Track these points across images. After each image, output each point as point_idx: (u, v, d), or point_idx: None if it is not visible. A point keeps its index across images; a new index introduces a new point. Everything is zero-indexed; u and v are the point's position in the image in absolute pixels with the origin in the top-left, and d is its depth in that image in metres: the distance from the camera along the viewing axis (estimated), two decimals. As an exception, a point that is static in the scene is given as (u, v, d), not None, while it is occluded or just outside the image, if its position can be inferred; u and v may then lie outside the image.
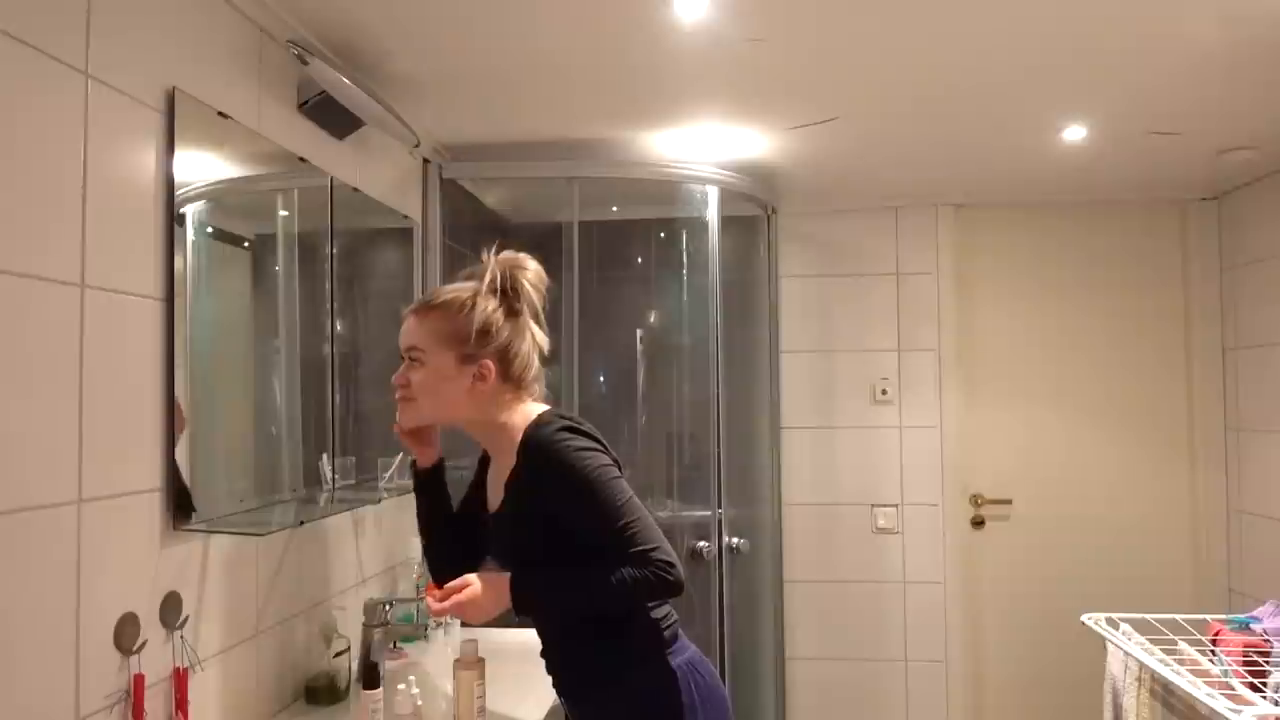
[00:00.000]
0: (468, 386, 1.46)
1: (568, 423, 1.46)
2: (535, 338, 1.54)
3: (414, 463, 1.64)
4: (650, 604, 1.49)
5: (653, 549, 1.38)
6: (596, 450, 1.43)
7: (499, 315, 1.47)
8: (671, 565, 1.38)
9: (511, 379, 1.49)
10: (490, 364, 1.46)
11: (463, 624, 2.21)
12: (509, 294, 1.49)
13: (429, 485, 1.63)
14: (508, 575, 1.43)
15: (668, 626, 1.50)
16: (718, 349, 2.96)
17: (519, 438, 1.46)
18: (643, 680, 1.46)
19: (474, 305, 1.46)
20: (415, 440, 1.59)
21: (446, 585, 1.43)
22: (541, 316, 1.55)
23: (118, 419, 1.34)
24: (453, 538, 1.64)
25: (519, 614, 1.46)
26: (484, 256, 1.52)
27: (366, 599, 2.17)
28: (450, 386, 1.46)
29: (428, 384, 1.47)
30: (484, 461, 1.63)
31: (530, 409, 1.50)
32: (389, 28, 1.88)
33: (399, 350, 1.52)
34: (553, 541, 1.44)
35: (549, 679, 1.59)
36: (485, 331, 1.46)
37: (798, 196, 3.36)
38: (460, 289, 1.49)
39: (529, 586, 1.42)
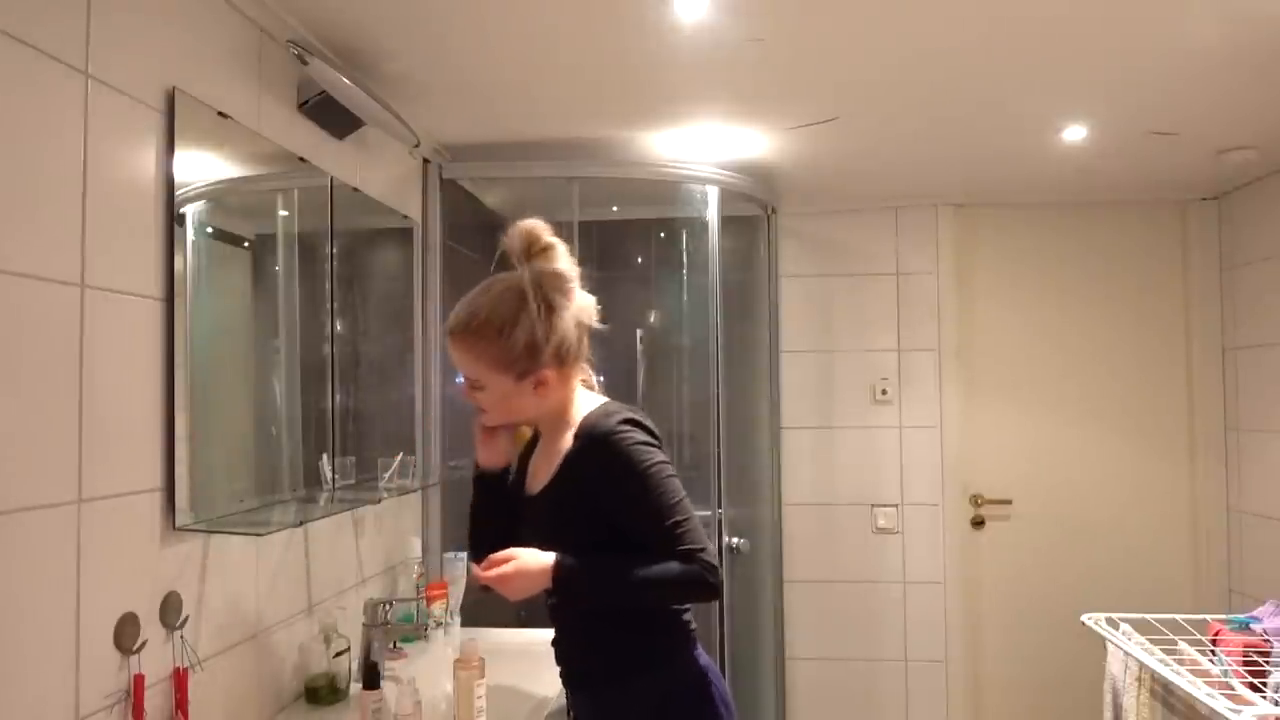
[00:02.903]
0: (532, 397, 1.45)
1: (629, 415, 1.45)
2: (580, 315, 1.48)
3: (476, 462, 1.62)
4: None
5: (700, 549, 1.37)
6: (655, 446, 1.43)
7: (540, 326, 1.42)
8: (715, 568, 1.37)
9: (566, 367, 1.47)
10: (547, 372, 1.43)
11: (464, 622, 2.20)
12: (545, 299, 1.43)
13: (490, 484, 1.60)
14: (553, 555, 1.40)
15: (693, 629, 1.50)
16: (718, 349, 2.96)
17: (575, 422, 1.46)
18: (671, 678, 1.45)
19: (515, 325, 1.41)
20: (488, 439, 1.57)
21: (491, 556, 1.41)
22: (576, 280, 1.49)
23: (118, 419, 1.34)
24: (502, 527, 1.60)
25: (556, 595, 1.43)
26: (507, 241, 1.47)
27: (366, 599, 2.17)
28: (516, 401, 1.46)
29: (494, 404, 1.47)
30: (531, 441, 1.62)
31: (590, 397, 1.51)
32: (389, 28, 1.88)
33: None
34: (593, 530, 1.43)
35: (549, 677, 1.58)
36: (533, 347, 1.41)
37: (798, 196, 3.36)
38: (494, 302, 1.43)
39: (573, 569, 1.39)
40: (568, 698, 1.57)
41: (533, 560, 1.39)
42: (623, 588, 1.39)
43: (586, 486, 1.42)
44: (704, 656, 1.49)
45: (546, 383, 1.44)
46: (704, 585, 1.37)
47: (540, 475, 1.51)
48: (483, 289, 1.46)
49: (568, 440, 1.45)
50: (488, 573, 1.40)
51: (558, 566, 1.39)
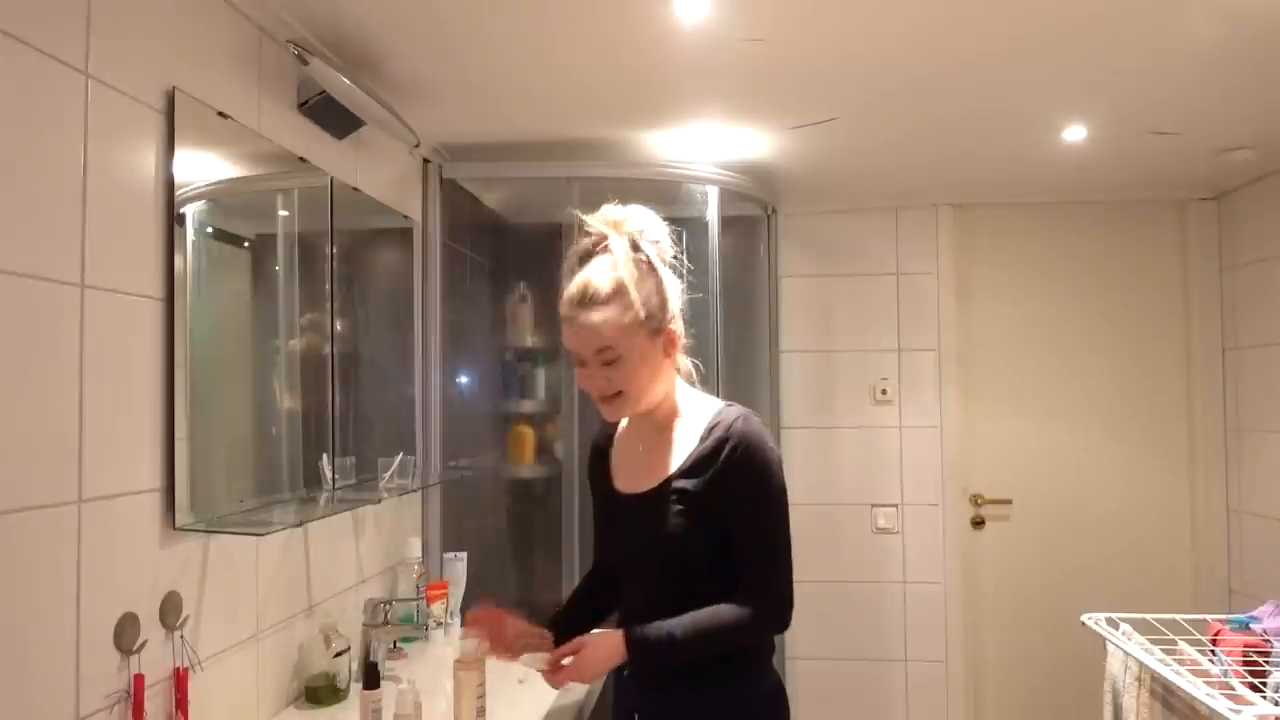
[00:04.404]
0: (664, 363, 1.42)
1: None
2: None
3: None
4: None
5: (789, 591, 1.39)
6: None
7: (659, 281, 1.41)
8: (792, 606, 1.40)
9: (680, 334, 1.44)
10: (673, 329, 1.41)
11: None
12: (654, 257, 1.42)
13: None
14: (619, 633, 1.37)
15: (771, 644, 1.50)
16: (718, 349, 2.96)
17: (686, 413, 1.44)
18: (755, 687, 1.44)
19: (642, 279, 1.38)
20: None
21: (556, 651, 1.40)
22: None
23: (118, 419, 1.34)
24: (589, 612, 1.59)
25: (636, 666, 1.41)
26: (589, 227, 1.44)
27: (366, 599, 2.18)
28: (652, 367, 1.40)
29: (632, 374, 1.38)
30: (601, 445, 1.58)
31: (691, 390, 1.49)
32: (389, 28, 1.88)
33: (572, 357, 1.41)
34: (706, 533, 1.38)
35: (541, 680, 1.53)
36: (662, 300, 1.40)
37: (798, 196, 3.35)
38: (613, 266, 1.39)
39: (648, 641, 1.36)
40: (629, 695, 1.50)
41: (602, 643, 1.38)
42: (702, 644, 1.36)
43: (718, 485, 1.38)
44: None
45: (674, 342, 1.42)
46: (778, 625, 1.40)
47: (647, 471, 1.45)
48: (592, 267, 1.40)
49: (687, 433, 1.43)
50: (559, 676, 1.40)
51: (632, 642, 1.36)
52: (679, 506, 1.39)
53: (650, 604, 1.41)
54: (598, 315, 1.36)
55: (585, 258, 1.42)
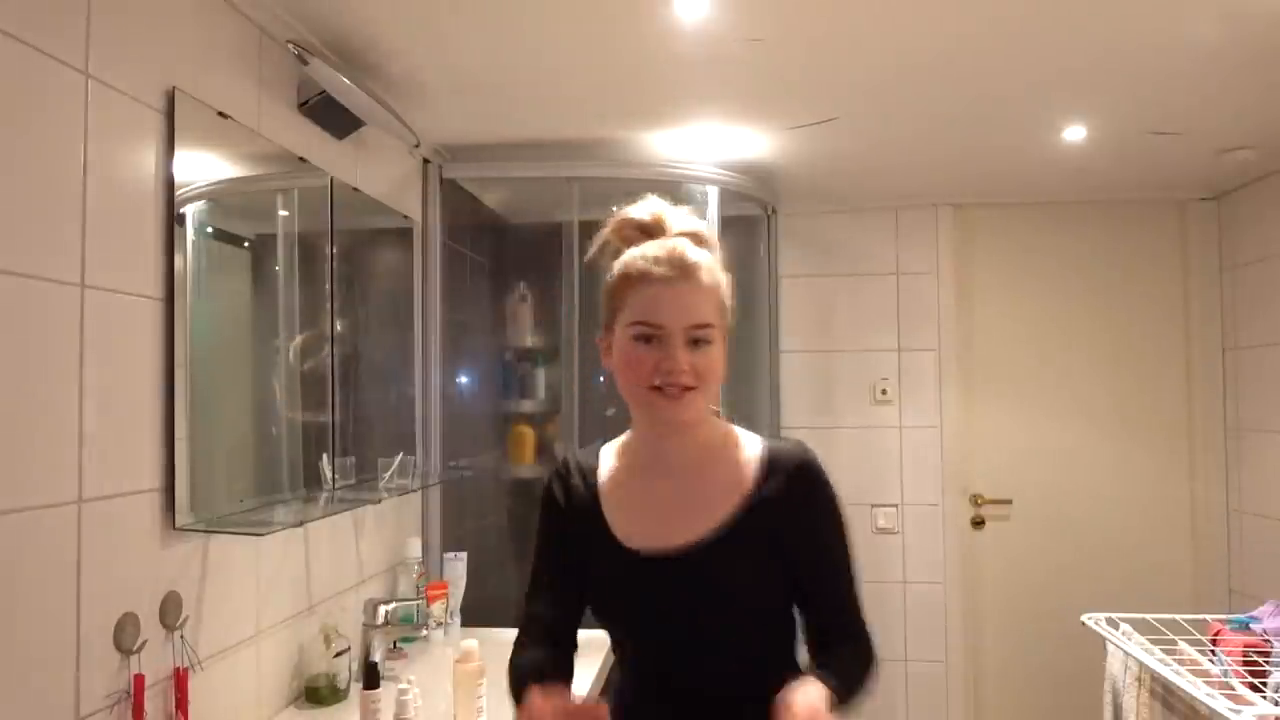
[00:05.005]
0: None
1: None
2: None
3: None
4: None
5: (868, 624, 1.22)
6: None
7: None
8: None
9: None
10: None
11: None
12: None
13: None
14: (820, 687, 1.05)
15: None
16: (718, 349, 2.96)
17: (727, 441, 1.23)
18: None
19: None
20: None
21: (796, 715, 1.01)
22: None
23: (117, 419, 1.34)
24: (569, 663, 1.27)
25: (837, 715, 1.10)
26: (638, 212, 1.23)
27: (366, 599, 2.18)
28: (722, 366, 1.19)
29: (719, 362, 1.18)
30: (579, 487, 1.25)
31: (715, 419, 1.26)
32: (389, 28, 1.88)
33: (660, 332, 1.14)
34: (775, 591, 1.19)
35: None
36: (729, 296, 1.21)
37: (798, 196, 3.35)
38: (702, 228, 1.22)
39: (838, 696, 1.07)
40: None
41: (819, 697, 1.03)
42: (860, 688, 1.15)
43: (782, 527, 1.17)
44: None
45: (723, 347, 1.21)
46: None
47: (683, 516, 1.18)
48: (681, 216, 1.24)
49: (735, 465, 1.20)
50: None
51: (830, 698, 1.04)
52: (747, 560, 1.16)
53: (697, 673, 1.18)
54: (708, 277, 1.16)
55: (642, 232, 1.21)
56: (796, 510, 1.17)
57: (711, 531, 1.16)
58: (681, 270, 1.14)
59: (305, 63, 1.79)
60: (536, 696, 1.01)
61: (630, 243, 1.21)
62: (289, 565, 1.88)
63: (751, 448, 1.22)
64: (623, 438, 1.30)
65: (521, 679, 1.15)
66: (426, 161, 2.70)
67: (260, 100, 1.76)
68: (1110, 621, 2.23)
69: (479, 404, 3.09)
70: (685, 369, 1.12)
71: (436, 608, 2.37)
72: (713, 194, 2.96)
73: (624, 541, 1.19)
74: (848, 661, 1.17)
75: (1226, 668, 1.95)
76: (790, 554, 1.17)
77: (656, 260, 1.15)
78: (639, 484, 1.23)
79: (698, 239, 1.20)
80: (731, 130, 2.59)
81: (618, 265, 1.21)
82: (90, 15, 1.29)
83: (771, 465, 1.19)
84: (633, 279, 1.16)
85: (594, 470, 1.26)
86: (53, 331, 1.22)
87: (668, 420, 1.16)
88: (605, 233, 1.25)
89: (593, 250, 1.26)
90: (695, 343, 1.14)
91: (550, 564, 1.27)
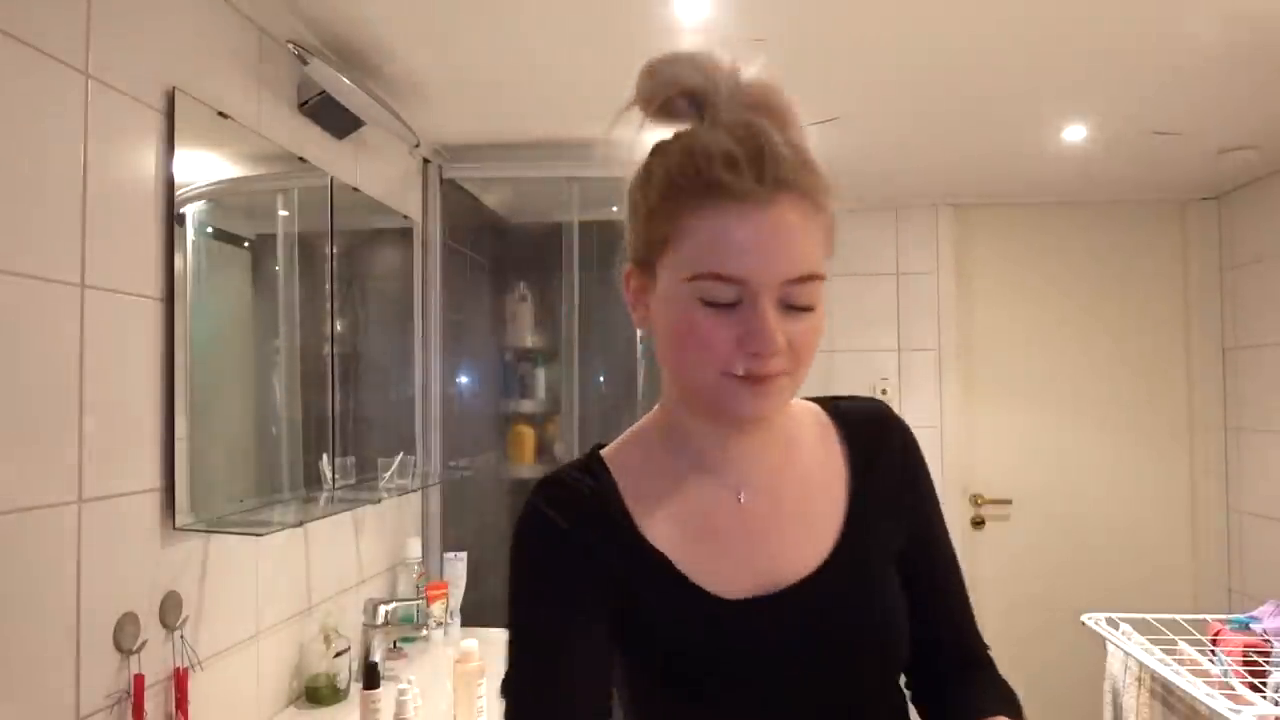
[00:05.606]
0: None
1: None
2: None
3: None
4: None
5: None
6: None
7: None
8: None
9: None
10: None
11: None
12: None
13: None
14: None
15: None
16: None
17: (800, 420, 0.91)
18: None
19: None
20: None
21: None
22: None
23: (117, 419, 1.34)
24: None
25: None
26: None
27: (366, 599, 2.18)
28: (821, 338, 0.81)
29: (817, 340, 0.80)
30: (602, 526, 0.81)
31: None
32: (389, 28, 1.88)
33: (743, 290, 0.74)
34: (905, 614, 0.85)
35: None
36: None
37: (798, 196, 3.35)
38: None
39: None
40: None
41: None
42: None
43: (892, 518, 0.88)
44: None
45: None
46: None
47: (788, 543, 0.83)
48: (742, 118, 0.81)
49: (819, 456, 0.89)
50: None
51: None
52: (881, 579, 0.85)
53: None
54: (811, 202, 0.75)
55: (692, 105, 0.82)
56: (901, 492, 0.88)
57: (829, 550, 0.82)
58: (776, 178, 0.73)
59: (305, 63, 1.79)
60: None
61: (672, 120, 0.81)
62: (289, 565, 1.88)
63: (819, 416, 0.92)
64: (642, 435, 0.89)
65: None
66: (426, 161, 2.70)
67: (260, 100, 1.76)
68: (1110, 621, 2.23)
69: (479, 404, 3.10)
70: (781, 348, 0.75)
71: (436, 608, 2.37)
72: (713, 194, 2.96)
73: (705, 586, 0.79)
74: (1003, 705, 0.84)
75: (1226, 668, 1.95)
76: (904, 553, 0.87)
77: (729, 160, 0.73)
78: (703, 497, 0.84)
79: (787, 118, 0.80)
80: (731, 130, 2.58)
81: (657, 161, 0.80)
82: (90, 15, 1.29)
83: (854, 435, 0.89)
84: (691, 191, 0.74)
85: (614, 490, 0.84)
86: (53, 332, 1.22)
87: (747, 416, 0.81)
88: (629, 104, 0.86)
89: (620, 131, 0.85)
90: (794, 305, 0.74)
91: (562, 650, 0.78)
